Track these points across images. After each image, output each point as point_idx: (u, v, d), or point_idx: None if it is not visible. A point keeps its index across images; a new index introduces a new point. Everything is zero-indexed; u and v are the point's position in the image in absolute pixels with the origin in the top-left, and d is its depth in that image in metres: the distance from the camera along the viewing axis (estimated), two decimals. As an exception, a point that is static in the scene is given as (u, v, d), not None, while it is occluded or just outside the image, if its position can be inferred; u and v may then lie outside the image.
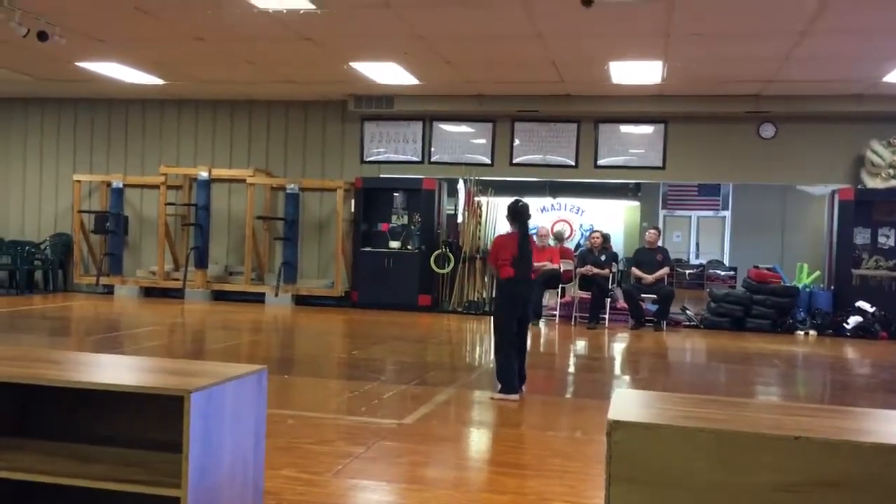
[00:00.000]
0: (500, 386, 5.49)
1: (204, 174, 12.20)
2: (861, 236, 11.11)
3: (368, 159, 12.35)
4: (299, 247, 12.22)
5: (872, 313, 10.32)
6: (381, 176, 12.24)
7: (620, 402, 2.04)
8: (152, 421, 2.44)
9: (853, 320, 10.36)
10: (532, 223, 19.46)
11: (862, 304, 10.44)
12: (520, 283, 5.62)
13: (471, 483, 3.51)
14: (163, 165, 12.59)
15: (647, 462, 1.77)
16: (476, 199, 12.19)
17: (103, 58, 9.91)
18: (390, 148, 12.33)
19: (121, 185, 12.53)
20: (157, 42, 8.96)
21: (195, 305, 11.54)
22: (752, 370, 7.61)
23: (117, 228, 12.57)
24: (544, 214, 20.06)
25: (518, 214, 5.76)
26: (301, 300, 11.95)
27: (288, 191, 12.07)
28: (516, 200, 5.79)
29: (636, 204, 19.54)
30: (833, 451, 1.71)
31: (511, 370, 5.46)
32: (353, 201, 12.07)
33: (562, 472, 3.70)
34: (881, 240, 11.11)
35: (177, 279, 12.21)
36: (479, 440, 4.58)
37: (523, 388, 5.58)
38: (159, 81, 11.17)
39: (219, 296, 12.18)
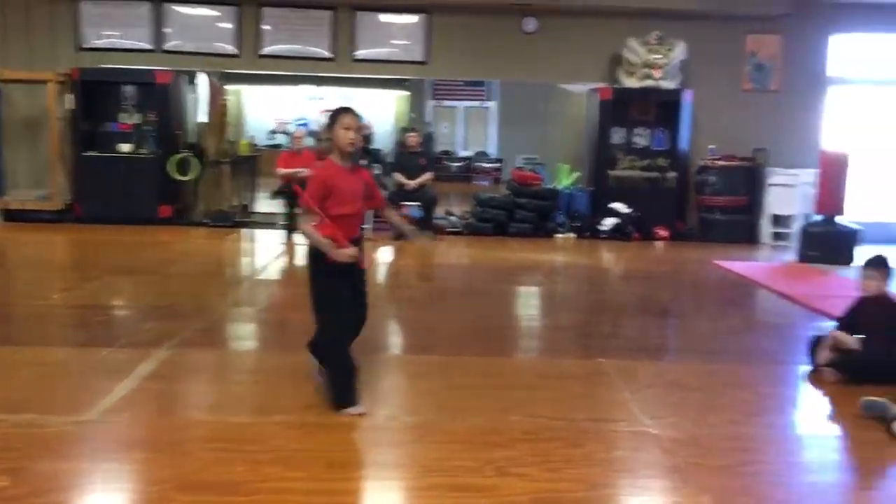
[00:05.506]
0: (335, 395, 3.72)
1: None
2: (617, 136, 11.10)
3: (86, 46, 10.41)
4: (3, 152, 10.20)
5: (627, 214, 10.43)
6: (105, 66, 10.39)
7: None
8: None
9: (609, 222, 10.43)
10: (295, 116, 17.84)
11: (617, 205, 10.51)
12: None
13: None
14: None
15: None
16: (223, 95, 10.79)
17: None
18: (114, 32, 10.46)
19: None
20: None
21: None
22: (513, 292, 7.30)
23: None
24: (309, 104, 18.82)
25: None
26: (12, 216, 10.09)
27: (-16, 83, 9.92)
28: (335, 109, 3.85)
29: (406, 94, 18.79)
30: None
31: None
32: (69, 96, 10.18)
33: (279, 492, 2.91)
34: (636, 139, 11.17)
35: None
36: (178, 450, 3.28)
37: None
38: None
39: None
